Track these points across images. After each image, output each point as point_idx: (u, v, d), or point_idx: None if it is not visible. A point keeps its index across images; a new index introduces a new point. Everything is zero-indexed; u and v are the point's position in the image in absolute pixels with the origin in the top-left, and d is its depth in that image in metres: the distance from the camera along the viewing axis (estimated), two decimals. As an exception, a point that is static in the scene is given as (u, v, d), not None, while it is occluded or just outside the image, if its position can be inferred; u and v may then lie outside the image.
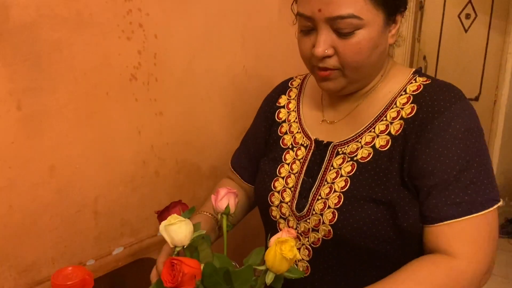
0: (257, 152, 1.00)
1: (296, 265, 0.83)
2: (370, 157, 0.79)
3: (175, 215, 0.69)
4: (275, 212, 0.87)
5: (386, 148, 0.78)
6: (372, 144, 0.79)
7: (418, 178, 0.74)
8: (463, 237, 0.71)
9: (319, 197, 0.81)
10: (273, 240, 0.67)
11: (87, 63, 1.04)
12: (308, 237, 0.82)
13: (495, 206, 0.73)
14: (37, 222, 1.02)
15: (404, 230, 0.75)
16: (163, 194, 1.29)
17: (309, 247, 0.82)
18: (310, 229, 0.81)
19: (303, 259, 0.83)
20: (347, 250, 0.79)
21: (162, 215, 0.73)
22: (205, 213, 0.95)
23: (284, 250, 0.65)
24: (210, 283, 0.65)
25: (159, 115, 1.24)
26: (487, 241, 0.71)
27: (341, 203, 0.78)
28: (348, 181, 0.79)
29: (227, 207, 0.77)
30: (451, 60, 2.75)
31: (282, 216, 0.86)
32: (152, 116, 1.22)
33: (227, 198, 0.77)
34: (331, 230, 0.78)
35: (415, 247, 0.77)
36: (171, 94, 1.25)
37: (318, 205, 0.80)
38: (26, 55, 0.94)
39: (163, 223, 0.68)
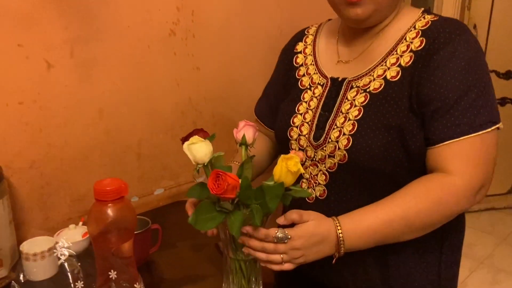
0: (277, 98, 1.08)
1: (314, 189, 0.91)
2: (381, 87, 0.85)
3: (197, 136, 0.79)
4: (294, 145, 0.95)
5: (396, 79, 0.83)
6: (384, 76, 0.85)
7: (423, 104, 0.79)
8: (459, 155, 0.76)
9: (335, 127, 0.87)
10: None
11: (130, 17, 1.17)
12: (324, 163, 0.89)
13: (493, 128, 0.77)
14: (88, 158, 1.17)
15: (412, 152, 0.80)
16: (200, 144, 1.40)
17: (326, 172, 0.89)
18: (327, 156, 0.88)
19: (320, 183, 0.90)
20: (360, 173, 0.85)
21: (186, 139, 0.83)
22: (235, 162, 1.05)
23: (290, 165, 0.73)
24: (244, 196, 0.74)
25: (196, 70, 1.34)
26: (482, 159, 0.76)
27: (355, 129, 0.83)
28: (361, 110, 0.85)
29: (243, 137, 0.84)
30: (504, 30, 2.63)
31: (301, 147, 0.93)
32: (189, 70, 1.33)
33: (244, 130, 0.85)
34: (346, 155, 0.84)
35: (420, 169, 0.82)
36: (208, 50, 1.35)
37: (334, 134, 0.86)
38: (78, 7, 1.07)
39: (187, 142, 0.78)
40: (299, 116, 0.95)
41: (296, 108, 0.96)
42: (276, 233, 0.73)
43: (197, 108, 1.37)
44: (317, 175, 0.90)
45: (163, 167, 1.33)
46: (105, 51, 1.14)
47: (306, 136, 0.92)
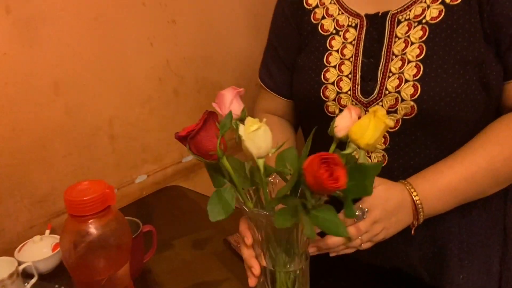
0: (289, 54, 0.84)
1: (370, 158, 0.73)
2: (442, 15, 0.67)
3: (250, 118, 0.52)
4: (332, 108, 0.74)
5: (459, 1, 0.67)
6: (441, 0, 0.68)
7: (500, 26, 0.66)
8: None
9: (390, 74, 0.70)
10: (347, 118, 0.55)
11: (82, -45, 0.88)
12: None
13: None
14: (47, 147, 0.90)
15: (492, 89, 0.68)
16: (184, 117, 1.15)
17: (385, 134, 0.72)
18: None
19: (377, 148, 0.73)
20: (432, 126, 0.69)
21: (193, 135, 0.53)
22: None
23: (382, 117, 0.53)
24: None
25: (171, 24, 1.07)
26: None
27: (421, 72, 0.67)
28: (423, 47, 0.68)
29: (243, 110, 0.60)
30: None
31: (343, 108, 0.72)
32: (164, 24, 1.06)
33: (237, 100, 0.60)
34: (415, 106, 0.67)
35: (494, 112, 0.72)
36: (184, -2, 1.08)
37: (392, 83, 0.69)
38: None
39: (244, 129, 0.50)
40: (332, 69, 0.73)
41: (325, 60, 0.74)
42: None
43: (178, 72, 1.11)
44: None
45: (143, 148, 1.08)
46: (54, 4, 0.86)
47: (349, 93, 0.72)
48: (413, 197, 0.65)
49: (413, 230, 0.68)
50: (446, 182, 0.66)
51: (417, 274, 0.78)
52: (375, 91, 0.71)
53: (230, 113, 0.57)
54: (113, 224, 0.54)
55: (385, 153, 0.72)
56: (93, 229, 0.52)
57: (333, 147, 0.57)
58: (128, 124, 1.03)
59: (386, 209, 0.63)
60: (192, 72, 1.15)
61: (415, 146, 0.71)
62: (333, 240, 0.63)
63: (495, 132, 0.68)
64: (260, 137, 0.50)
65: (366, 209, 0.62)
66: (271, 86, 0.88)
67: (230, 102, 0.57)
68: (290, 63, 0.83)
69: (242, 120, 0.59)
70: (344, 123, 0.57)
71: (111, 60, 0.97)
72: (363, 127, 0.55)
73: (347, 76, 0.73)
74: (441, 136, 0.70)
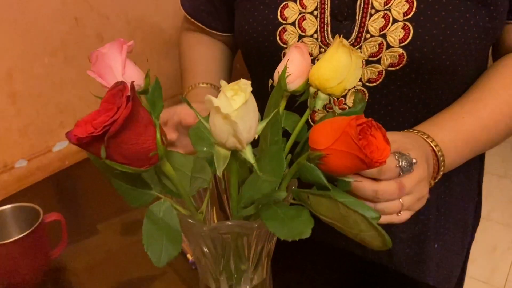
0: None
1: None
2: None
3: (227, 85, 0.29)
4: None
5: None
6: None
7: None
8: None
9: (373, 11, 0.52)
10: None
11: None
12: (361, 74, 0.53)
13: None
14: None
15: (495, 31, 0.54)
16: (115, 67, 0.93)
17: (362, 88, 0.55)
18: (364, 63, 0.53)
19: (351, 107, 0.56)
20: (422, 79, 0.53)
21: (114, 131, 0.30)
22: (203, 85, 0.67)
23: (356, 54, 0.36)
24: None
25: None
26: None
27: (414, 9, 0.50)
28: None
29: (147, 75, 0.38)
30: None
31: None
32: None
33: (129, 61, 0.39)
34: (404, 54, 0.51)
35: (485, 58, 0.59)
36: None
37: (375, 23, 0.52)
38: None
39: (227, 104, 0.28)
40: (291, 4, 0.54)
41: None
42: (397, 159, 0.42)
43: (100, 10, 0.87)
44: (345, 95, 0.55)
45: (60, 109, 0.86)
46: None
47: (316, 36, 0.54)
48: (435, 149, 0.50)
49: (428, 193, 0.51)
50: (468, 131, 0.53)
51: (396, 261, 0.64)
52: (353, 34, 0.52)
53: (157, 80, 0.36)
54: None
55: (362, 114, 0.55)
56: None
57: (307, 114, 0.39)
58: (35, 78, 0.80)
59: (427, 161, 0.47)
60: (121, 10, 0.91)
61: (399, 104, 0.55)
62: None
63: (506, 74, 0.55)
64: (250, 111, 0.29)
65: (415, 160, 0.44)
66: (191, 12, 0.71)
67: (122, 65, 0.36)
68: None
69: (145, 92, 0.38)
70: (297, 68, 0.39)
71: (2, -7, 0.73)
72: (341, 69, 0.37)
73: (311, 13, 0.54)
74: (431, 92, 0.55)
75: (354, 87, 0.54)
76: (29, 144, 0.83)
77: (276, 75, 0.41)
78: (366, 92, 0.55)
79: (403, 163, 0.42)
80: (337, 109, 0.49)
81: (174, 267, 0.64)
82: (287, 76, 0.39)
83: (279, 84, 0.37)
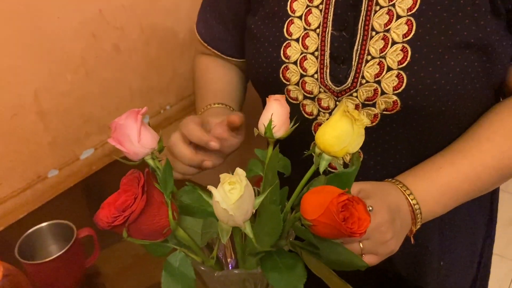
0: (233, 10, 0.68)
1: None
2: None
3: (225, 176, 0.34)
4: (295, 93, 0.59)
5: None
6: None
7: None
8: None
9: (369, 57, 0.53)
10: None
11: None
12: None
13: None
14: (-44, 137, 0.75)
15: (495, 75, 0.53)
16: (131, 75, 0.98)
17: None
18: (360, 105, 0.55)
19: None
20: (417, 123, 0.55)
21: (133, 218, 0.34)
22: (217, 105, 0.69)
23: (358, 117, 0.40)
24: None
25: (100, -37, 0.85)
26: None
27: (408, 59, 0.51)
28: (412, 23, 0.51)
29: (160, 139, 0.44)
30: None
31: (308, 95, 0.57)
32: (89, -35, 0.84)
33: (145, 126, 0.43)
34: (398, 101, 0.53)
35: (493, 101, 0.59)
36: None
37: (370, 69, 0.53)
38: None
39: (226, 199, 0.33)
40: (294, 43, 0.56)
41: (286, 31, 0.57)
42: None
43: (115, 23, 0.91)
44: None
45: (84, 120, 0.92)
46: None
47: (316, 76, 0.56)
48: (408, 198, 0.52)
49: (412, 239, 0.56)
50: (446, 182, 0.54)
51: (394, 270, 0.69)
52: (349, 79, 0.54)
53: (168, 164, 0.40)
54: (4, 286, 0.42)
55: (359, 150, 0.58)
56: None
57: (314, 167, 0.43)
58: (60, 95, 0.86)
59: (390, 208, 0.49)
60: (135, 20, 0.95)
61: (395, 143, 0.57)
62: None
63: (503, 121, 0.55)
64: (246, 199, 0.34)
65: (371, 207, 0.48)
66: (208, 40, 0.73)
67: (138, 133, 0.41)
68: (236, 21, 0.66)
69: (160, 151, 0.44)
70: (280, 118, 0.44)
71: (25, 20, 0.77)
72: (343, 137, 0.41)
73: (312, 53, 0.56)
74: (428, 132, 0.56)
75: None
76: (59, 155, 0.90)
77: (261, 127, 0.45)
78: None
79: None
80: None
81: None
82: (273, 128, 0.44)
83: (276, 152, 0.42)
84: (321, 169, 0.41)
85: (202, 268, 0.41)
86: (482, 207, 0.71)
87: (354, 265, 0.39)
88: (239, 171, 0.33)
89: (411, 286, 0.68)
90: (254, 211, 0.35)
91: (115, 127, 0.41)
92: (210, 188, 0.32)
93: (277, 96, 0.46)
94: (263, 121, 0.46)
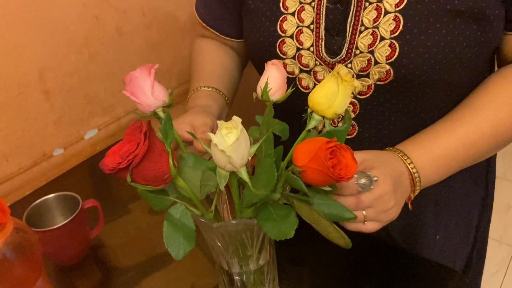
0: None
1: (337, 127, 0.61)
2: None
3: (222, 123, 0.36)
4: (291, 67, 0.61)
5: None
6: None
7: None
8: None
9: (362, 28, 0.55)
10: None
11: None
12: None
13: None
14: (-35, 114, 0.77)
15: (488, 44, 0.54)
16: (134, 57, 1.00)
17: (354, 100, 0.59)
18: (355, 76, 0.57)
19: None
20: (410, 92, 0.57)
21: (136, 162, 0.36)
22: (206, 88, 0.71)
23: (347, 77, 0.42)
24: None
25: None
26: None
27: (400, 28, 0.53)
28: None
29: (171, 93, 0.47)
30: None
31: (304, 68, 0.59)
32: None
33: (156, 82, 0.46)
34: (391, 70, 0.54)
35: (489, 71, 0.61)
36: None
37: (364, 40, 0.55)
38: None
39: (223, 142, 0.36)
40: (290, 17, 0.58)
41: (282, 5, 0.59)
42: (357, 178, 0.47)
43: (117, 5, 0.94)
44: None
45: (88, 100, 0.95)
46: None
47: (312, 49, 0.58)
48: (408, 166, 0.54)
49: (410, 205, 0.57)
50: (444, 150, 0.55)
51: (392, 241, 0.71)
52: (343, 50, 0.56)
53: (168, 115, 0.43)
54: (15, 240, 0.45)
55: (354, 122, 0.60)
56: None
57: (309, 125, 0.45)
58: (64, 75, 0.89)
59: (393, 177, 0.50)
60: (137, 4, 0.97)
61: (390, 114, 0.59)
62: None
63: (500, 89, 0.56)
64: (242, 143, 0.36)
65: (376, 178, 0.48)
66: (207, 19, 0.75)
67: (151, 87, 0.44)
68: (232, 1, 0.68)
69: (169, 106, 0.46)
70: (276, 82, 0.46)
71: (30, 1, 0.80)
72: (330, 95, 0.43)
73: (308, 26, 0.58)
74: (422, 102, 0.58)
75: None
76: (64, 134, 0.92)
77: (258, 90, 0.47)
78: (357, 104, 0.59)
79: (362, 181, 0.47)
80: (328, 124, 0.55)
81: (199, 242, 0.74)
82: (269, 90, 0.46)
83: (270, 109, 0.44)
84: (309, 127, 0.44)
85: (202, 220, 0.43)
86: (478, 183, 0.73)
87: (343, 217, 0.41)
88: (235, 118, 0.35)
89: (408, 255, 0.70)
90: (249, 158, 0.38)
91: (130, 79, 0.44)
92: (209, 134, 0.35)
93: (275, 60, 0.48)
94: (260, 85, 0.48)
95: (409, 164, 0.53)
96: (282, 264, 0.62)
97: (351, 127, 0.61)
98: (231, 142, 0.34)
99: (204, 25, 0.76)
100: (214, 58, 0.76)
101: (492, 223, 0.79)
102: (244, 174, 0.37)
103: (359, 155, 0.51)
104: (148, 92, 0.44)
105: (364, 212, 0.49)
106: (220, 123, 0.35)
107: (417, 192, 0.55)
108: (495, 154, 0.74)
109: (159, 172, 0.36)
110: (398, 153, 0.54)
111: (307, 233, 0.59)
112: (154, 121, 0.48)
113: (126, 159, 0.34)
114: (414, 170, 0.53)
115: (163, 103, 0.45)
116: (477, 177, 0.71)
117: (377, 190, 0.48)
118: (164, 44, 1.06)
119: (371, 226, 0.50)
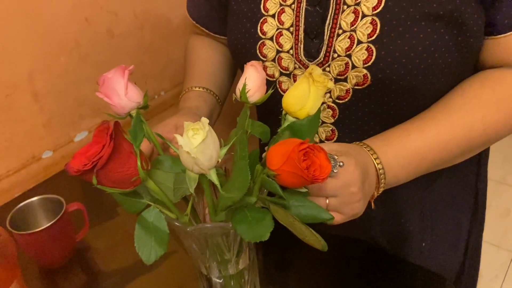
0: None
1: (317, 133, 0.61)
2: None
3: (189, 124, 0.35)
4: (271, 70, 0.60)
5: None
6: None
7: None
8: None
9: (340, 31, 0.54)
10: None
11: None
12: (330, 92, 0.57)
13: None
14: (-48, 115, 0.77)
15: (468, 49, 0.53)
16: (126, 59, 1.00)
17: (333, 104, 0.58)
18: (333, 80, 0.56)
19: (325, 122, 0.60)
20: (388, 97, 0.55)
21: (101, 164, 0.35)
22: (197, 88, 0.71)
23: (320, 80, 0.41)
24: None
25: None
26: None
27: (377, 31, 0.52)
28: None
29: (146, 95, 0.46)
30: None
31: (284, 71, 0.59)
32: (81, -51, 0.86)
33: (131, 83, 0.45)
34: (368, 74, 0.53)
35: (463, 75, 0.58)
36: None
37: (341, 43, 0.54)
38: None
39: (189, 143, 0.35)
40: (270, 19, 0.58)
41: (263, 7, 0.58)
42: None
43: (108, 8, 0.93)
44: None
45: (78, 102, 0.94)
46: None
47: (291, 52, 0.57)
48: (374, 162, 0.52)
49: (372, 203, 0.55)
50: (414, 149, 0.53)
51: (378, 245, 0.70)
52: (321, 53, 0.55)
53: (138, 115, 0.42)
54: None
55: (334, 127, 0.59)
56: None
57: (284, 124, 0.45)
58: (54, 77, 0.88)
59: (362, 168, 0.48)
60: (128, 5, 0.97)
61: (369, 119, 0.58)
62: None
63: (476, 93, 0.55)
64: (209, 145, 0.35)
65: (341, 163, 0.46)
66: (196, 17, 0.75)
67: (125, 87, 0.43)
68: (219, 1, 0.68)
69: (145, 108, 0.46)
70: (255, 83, 0.45)
71: (19, 1, 0.79)
72: (301, 97, 0.42)
73: (288, 29, 0.57)
74: (401, 108, 0.56)
75: (325, 103, 0.58)
76: (53, 136, 0.92)
77: (237, 91, 0.47)
78: (337, 108, 0.58)
79: None
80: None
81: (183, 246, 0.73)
82: (247, 91, 0.45)
83: (245, 110, 0.43)
84: (282, 128, 0.43)
85: (177, 224, 0.43)
86: (466, 189, 0.71)
87: (320, 218, 0.40)
88: (203, 119, 0.34)
89: (395, 260, 0.69)
90: (219, 160, 0.37)
91: (103, 81, 0.43)
92: (176, 135, 0.34)
93: (254, 62, 0.48)
94: (239, 86, 0.47)
95: (375, 159, 0.52)
96: (267, 269, 0.61)
97: (330, 132, 0.60)
98: (197, 144, 0.33)
99: (194, 22, 0.76)
100: (206, 56, 0.75)
101: (491, 228, 0.77)
102: (213, 177, 0.36)
103: (326, 146, 0.49)
104: (122, 94, 0.43)
105: (327, 201, 0.46)
106: (187, 124, 0.34)
107: (381, 190, 0.53)
108: (486, 163, 0.73)
109: (126, 174, 0.35)
110: (365, 147, 0.53)
111: (291, 238, 0.59)
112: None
113: (91, 161, 0.33)
114: (379, 166, 0.52)
115: (137, 104, 0.44)
116: (466, 184, 0.70)
117: (343, 177, 0.46)
118: (157, 46, 1.05)
119: (336, 218, 0.46)
